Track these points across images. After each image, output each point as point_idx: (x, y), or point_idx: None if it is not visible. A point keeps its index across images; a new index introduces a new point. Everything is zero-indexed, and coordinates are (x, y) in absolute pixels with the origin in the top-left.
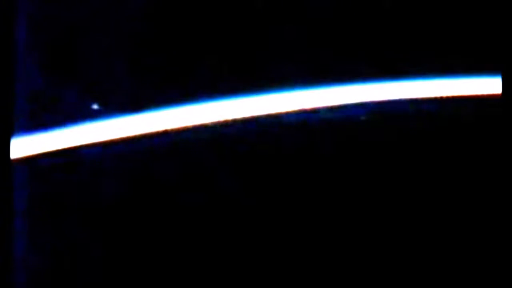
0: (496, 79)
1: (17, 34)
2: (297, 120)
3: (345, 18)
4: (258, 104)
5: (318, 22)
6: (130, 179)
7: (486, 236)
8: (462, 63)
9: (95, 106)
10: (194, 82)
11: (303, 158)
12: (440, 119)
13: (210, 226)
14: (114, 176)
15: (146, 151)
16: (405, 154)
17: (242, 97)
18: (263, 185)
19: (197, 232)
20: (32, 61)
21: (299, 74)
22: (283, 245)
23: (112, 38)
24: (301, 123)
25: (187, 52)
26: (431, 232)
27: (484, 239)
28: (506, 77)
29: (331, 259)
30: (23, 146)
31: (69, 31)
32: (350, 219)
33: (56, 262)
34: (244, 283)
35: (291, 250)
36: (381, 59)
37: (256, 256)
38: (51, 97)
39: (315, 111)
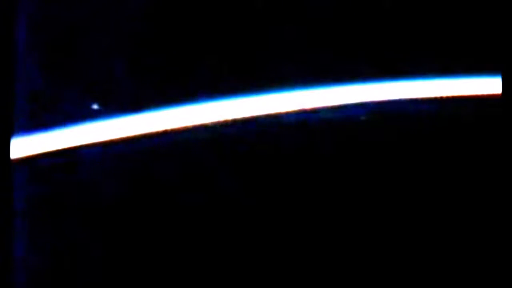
0: (496, 79)
1: (17, 34)
2: (297, 120)
3: (345, 18)
4: (258, 104)
5: (318, 22)
6: (130, 179)
7: (486, 236)
8: (462, 63)
9: (95, 106)
10: (194, 82)
11: (303, 158)
12: (440, 119)
13: (210, 226)
14: (114, 176)
15: (146, 151)
16: (405, 154)
17: (242, 97)
18: (263, 185)
19: (197, 232)
20: (32, 61)
21: (299, 74)
22: (283, 245)
23: (112, 38)
24: (301, 123)
25: (187, 52)
26: (431, 232)
27: (484, 239)
28: (506, 77)
29: (332, 259)
30: (23, 146)
31: (69, 31)
32: (350, 219)
33: (56, 262)
34: (244, 283)
35: (292, 250)
36: (381, 59)
37: (256, 256)
38: (51, 97)
39: (315, 111)
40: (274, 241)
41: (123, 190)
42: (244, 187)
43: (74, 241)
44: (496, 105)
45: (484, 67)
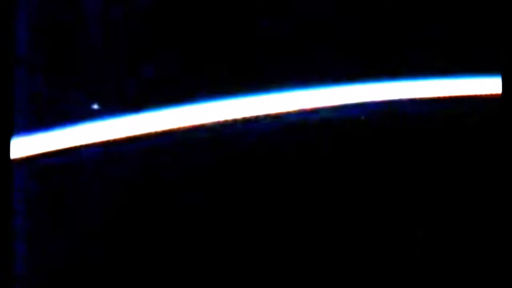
0: (496, 79)
1: (17, 34)
2: (297, 120)
3: (345, 18)
4: (258, 104)
5: (318, 22)
6: (130, 179)
7: (486, 235)
8: (462, 63)
9: (95, 106)
10: (194, 82)
11: (303, 158)
12: (440, 119)
13: (210, 226)
14: (114, 176)
15: (146, 151)
16: (405, 154)
17: (242, 97)
18: (263, 185)
19: (197, 232)
20: (32, 61)
21: (299, 74)
22: (283, 244)
23: (112, 38)
24: (301, 123)
25: (187, 52)
26: (431, 232)
27: (484, 239)
28: (506, 77)
29: (332, 259)
30: (23, 146)
31: (69, 31)
32: (350, 219)
33: (56, 262)
34: (244, 283)
35: (292, 250)
36: (381, 59)
37: (256, 256)
38: (51, 97)
39: (315, 111)
40: (274, 241)
41: (123, 190)
42: (244, 187)
43: (74, 241)
44: (496, 105)
45: (484, 67)
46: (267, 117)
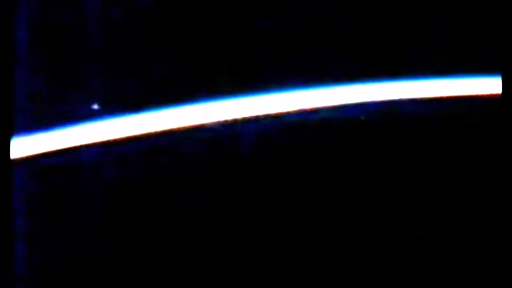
0: (496, 79)
1: (17, 34)
2: (297, 120)
3: (345, 18)
4: (258, 104)
5: (318, 22)
6: (130, 179)
7: (486, 235)
8: (462, 63)
9: (95, 106)
10: (194, 82)
11: (303, 158)
12: (440, 119)
13: (210, 226)
14: (114, 176)
15: (146, 151)
16: (405, 154)
17: (242, 97)
18: (263, 185)
19: (197, 232)
20: (32, 61)
21: (299, 74)
22: (284, 244)
23: (112, 38)
24: (301, 123)
25: (187, 52)
26: (431, 232)
27: (484, 239)
28: (506, 77)
29: (332, 259)
30: (23, 146)
31: (69, 31)
32: (351, 219)
33: (56, 262)
34: (244, 283)
35: (292, 250)
36: (381, 59)
37: (256, 256)
38: (51, 97)
39: (315, 111)
40: (274, 241)
41: (123, 190)
42: (244, 187)
43: (74, 241)
44: (496, 105)
45: (484, 67)
46: (267, 117)
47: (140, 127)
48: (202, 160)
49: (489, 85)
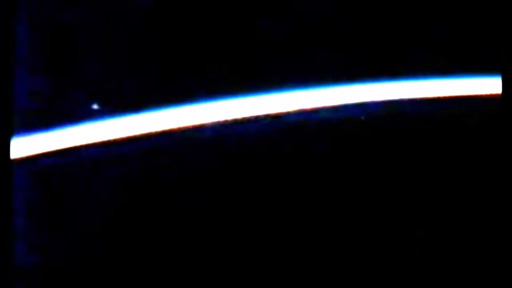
0: (496, 79)
1: (17, 34)
2: (297, 120)
3: (345, 18)
4: (258, 104)
5: (318, 22)
6: (130, 179)
7: (486, 235)
8: (462, 63)
9: (95, 106)
10: (194, 82)
11: (303, 158)
12: (440, 119)
13: (210, 226)
14: (114, 176)
15: (146, 151)
16: (405, 154)
17: (242, 97)
18: (263, 185)
19: (197, 232)
20: (32, 61)
21: (299, 74)
22: (284, 245)
23: (112, 38)
24: (301, 123)
25: (187, 52)
26: (431, 232)
27: (484, 239)
28: (506, 77)
29: (332, 259)
30: (23, 146)
31: (70, 31)
32: (351, 219)
33: (56, 262)
34: (244, 283)
35: (292, 250)
36: (381, 59)
37: (256, 256)
38: (51, 97)
39: (315, 111)
40: (274, 241)
41: (123, 190)
42: (244, 187)
43: (74, 241)
44: (496, 105)
45: (484, 67)
46: (267, 117)
47: (140, 127)
48: (202, 160)
49: (489, 85)
